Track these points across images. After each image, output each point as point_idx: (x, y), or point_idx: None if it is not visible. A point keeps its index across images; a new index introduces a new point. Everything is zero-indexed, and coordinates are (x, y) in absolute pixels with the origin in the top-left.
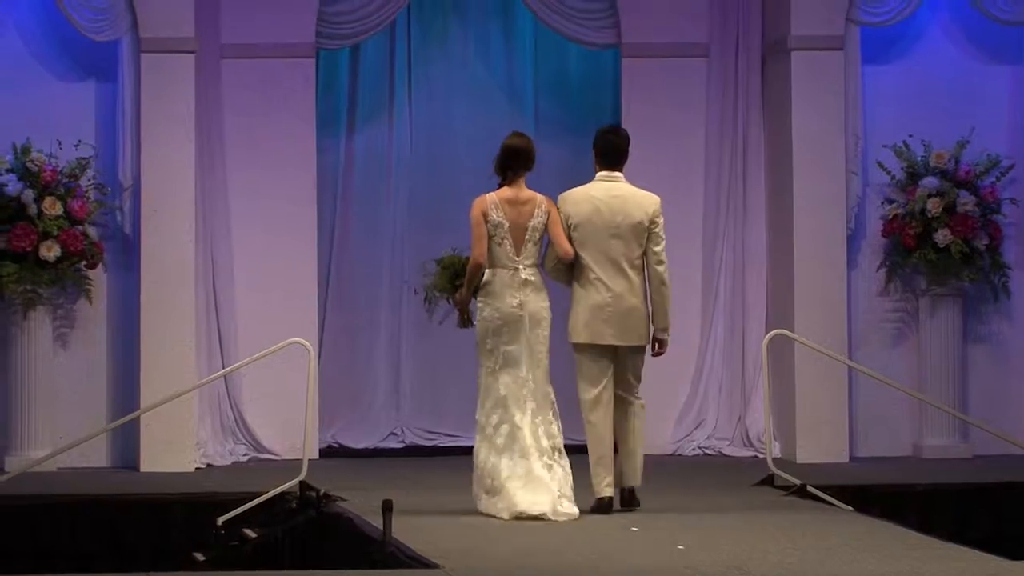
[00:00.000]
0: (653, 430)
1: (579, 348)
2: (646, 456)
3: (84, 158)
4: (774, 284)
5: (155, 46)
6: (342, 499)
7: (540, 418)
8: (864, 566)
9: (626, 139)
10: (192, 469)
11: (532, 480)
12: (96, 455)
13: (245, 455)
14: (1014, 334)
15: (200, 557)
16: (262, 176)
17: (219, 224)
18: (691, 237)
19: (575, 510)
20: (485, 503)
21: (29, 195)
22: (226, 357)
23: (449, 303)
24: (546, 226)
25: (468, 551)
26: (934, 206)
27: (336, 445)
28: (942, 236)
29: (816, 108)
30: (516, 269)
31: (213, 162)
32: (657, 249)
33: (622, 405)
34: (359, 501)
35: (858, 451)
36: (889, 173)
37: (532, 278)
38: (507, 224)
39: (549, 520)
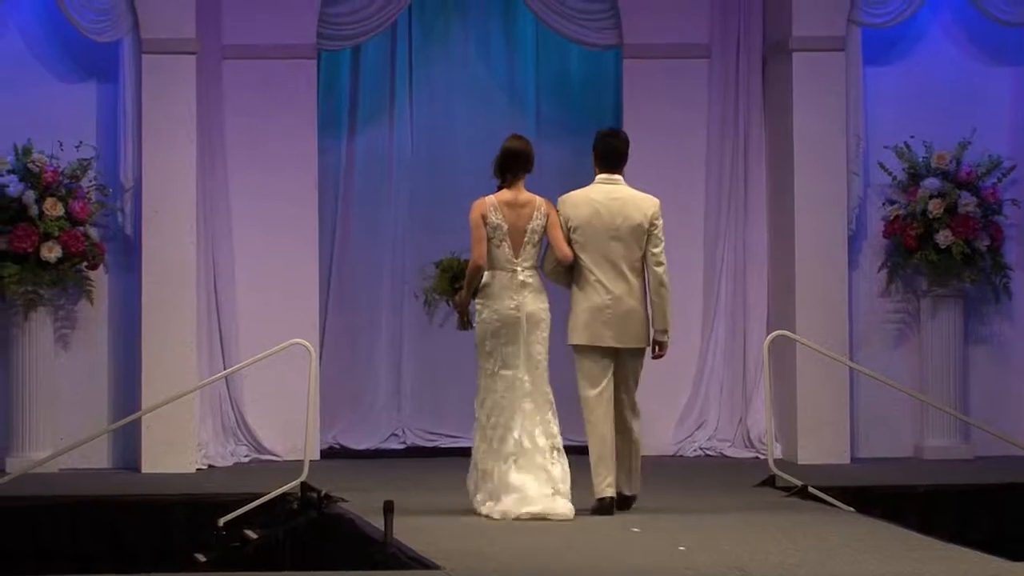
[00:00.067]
0: (654, 431)
1: (579, 350)
2: (648, 457)
3: (85, 159)
4: (775, 285)
5: (156, 47)
6: (343, 500)
7: (538, 418)
8: (865, 567)
9: (625, 142)
10: (193, 470)
11: (527, 486)
12: (97, 456)
13: (246, 456)
14: (1015, 335)
15: (201, 558)
16: (263, 177)
17: (220, 225)
18: (692, 238)
19: (570, 509)
20: (480, 501)
21: (30, 196)
22: (227, 358)
23: (449, 305)
24: (545, 229)
25: (469, 552)
26: (935, 207)
27: (337, 446)
28: (943, 237)
29: (817, 109)
30: (514, 271)
31: (214, 163)
32: (656, 251)
33: (621, 418)
34: (360, 502)
35: (859, 452)
36: (890, 174)
37: (530, 280)
38: (506, 227)
39: (544, 519)
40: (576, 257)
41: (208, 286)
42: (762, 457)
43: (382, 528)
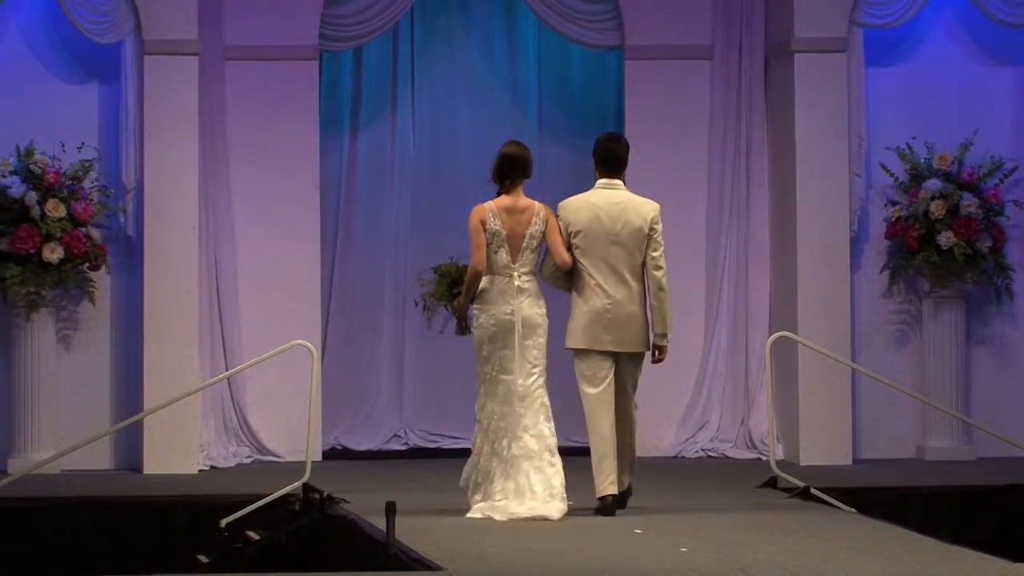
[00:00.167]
0: (656, 432)
1: (578, 353)
2: (649, 458)
3: (87, 160)
4: (777, 286)
5: (158, 48)
6: (345, 501)
7: (533, 422)
8: (867, 568)
9: (626, 147)
10: (195, 471)
11: (522, 489)
12: (99, 457)
13: (248, 457)
14: (1017, 336)
15: (203, 559)
16: (265, 178)
17: (222, 226)
18: (694, 239)
19: (563, 511)
20: (477, 502)
21: (32, 197)
22: (229, 359)
23: (447, 311)
24: (544, 234)
25: (472, 553)
26: (937, 208)
27: (339, 447)
28: (945, 238)
29: (819, 110)
30: (512, 276)
31: (216, 164)
32: (656, 255)
33: (618, 421)
34: (362, 503)
35: (861, 453)
36: (892, 175)
37: (528, 286)
38: (504, 232)
39: (539, 520)
40: (576, 262)
41: (210, 287)
42: (764, 458)
43: (384, 529)
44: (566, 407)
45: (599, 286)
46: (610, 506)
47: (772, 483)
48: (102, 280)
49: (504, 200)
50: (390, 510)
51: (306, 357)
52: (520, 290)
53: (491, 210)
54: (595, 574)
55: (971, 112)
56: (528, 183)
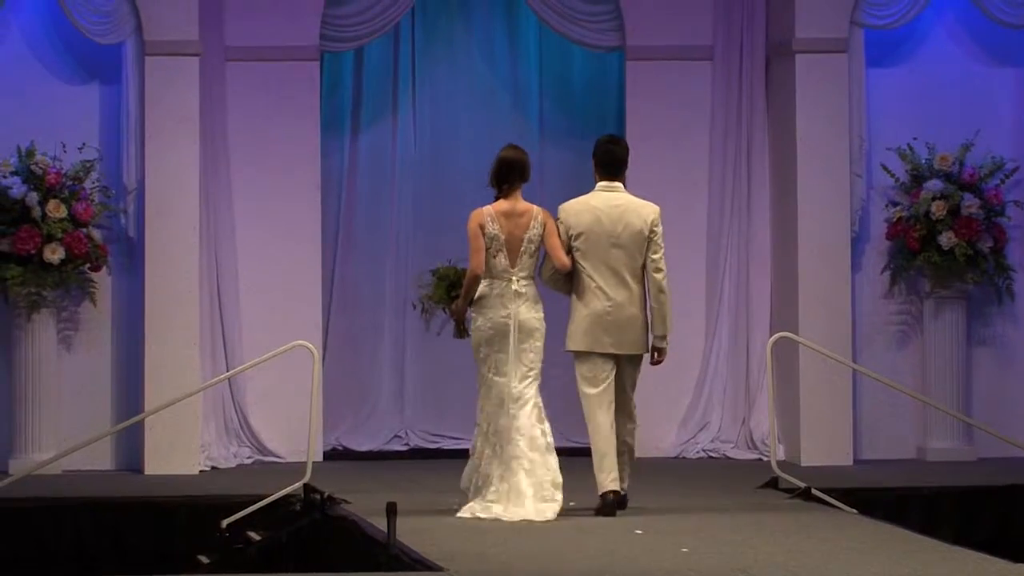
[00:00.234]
0: (657, 433)
1: (579, 355)
2: (650, 459)
3: (88, 161)
4: (778, 286)
5: (159, 49)
6: (346, 502)
7: (524, 422)
8: (868, 569)
9: (626, 149)
10: (196, 472)
11: (516, 496)
12: (100, 458)
13: (249, 458)
14: (1018, 336)
15: (204, 560)
16: (266, 178)
17: (223, 226)
18: (695, 240)
19: (555, 509)
20: (474, 503)
21: (33, 198)
22: (230, 359)
23: (445, 313)
24: (542, 238)
25: (472, 554)
26: (938, 209)
27: (340, 448)
28: (946, 239)
29: (820, 110)
30: (511, 281)
31: (217, 165)
32: (656, 257)
33: (617, 423)
34: (363, 504)
35: (862, 454)
36: (893, 176)
37: (526, 290)
38: (503, 237)
39: (533, 521)
40: (577, 264)
41: (211, 288)
42: (765, 459)
43: (385, 530)
44: (566, 408)
45: (600, 288)
46: (611, 503)
47: (773, 484)
48: (103, 281)
49: (502, 204)
50: (391, 511)
51: (307, 357)
52: (518, 294)
53: (490, 214)
54: (596, 574)
55: (972, 113)
56: (528, 184)
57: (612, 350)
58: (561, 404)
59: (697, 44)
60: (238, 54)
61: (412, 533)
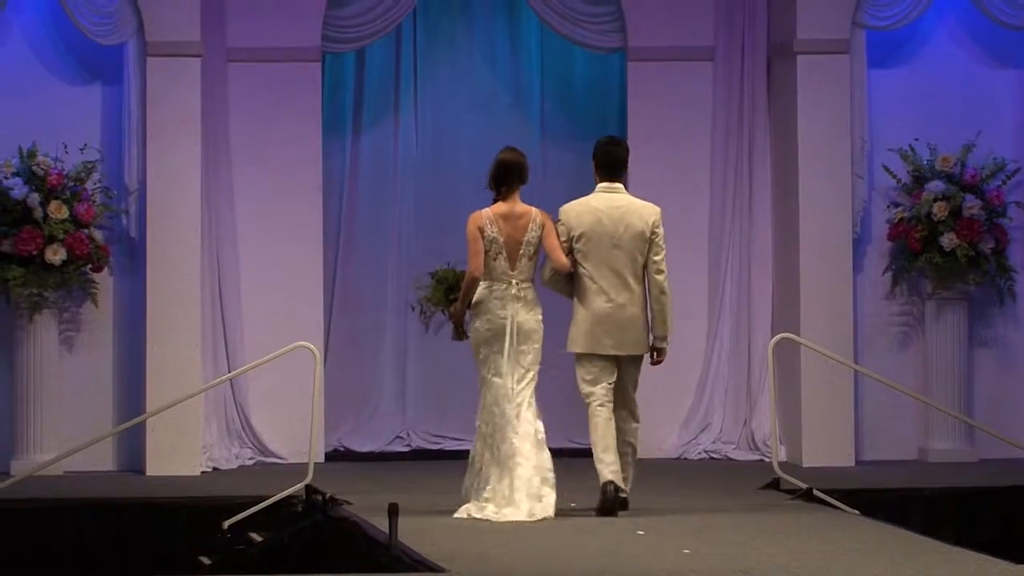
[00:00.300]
0: (659, 434)
1: (580, 357)
2: (652, 460)
3: (90, 162)
4: (780, 287)
5: (161, 50)
6: (348, 503)
7: (520, 423)
8: (870, 570)
9: (626, 150)
10: (198, 473)
11: (509, 495)
12: (102, 459)
13: (251, 459)
14: (1020, 338)
15: (206, 561)
16: (268, 179)
17: (225, 227)
18: (697, 241)
19: (549, 504)
20: (472, 503)
21: (35, 199)
22: (232, 361)
23: (444, 315)
24: (541, 240)
25: (474, 555)
26: (940, 210)
27: (342, 449)
28: (948, 240)
29: (821, 111)
30: (510, 284)
31: (219, 165)
32: (657, 258)
33: (619, 423)
34: (365, 505)
35: (864, 455)
36: (895, 177)
37: (525, 293)
38: (502, 239)
39: (528, 521)
40: (578, 266)
41: (213, 288)
42: (767, 460)
43: (387, 531)
44: (567, 408)
45: (601, 290)
46: (612, 493)
47: (775, 484)
48: (104, 281)
49: (501, 207)
50: (392, 512)
51: (308, 358)
52: (517, 297)
53: (488, 217)
54: (597, 575)
55: (973, 114)
56: (530, 186)
57: (614, 351)
58: (561, 405)
59: (698, 45)
60: (240, 55)
61: (413, 534)
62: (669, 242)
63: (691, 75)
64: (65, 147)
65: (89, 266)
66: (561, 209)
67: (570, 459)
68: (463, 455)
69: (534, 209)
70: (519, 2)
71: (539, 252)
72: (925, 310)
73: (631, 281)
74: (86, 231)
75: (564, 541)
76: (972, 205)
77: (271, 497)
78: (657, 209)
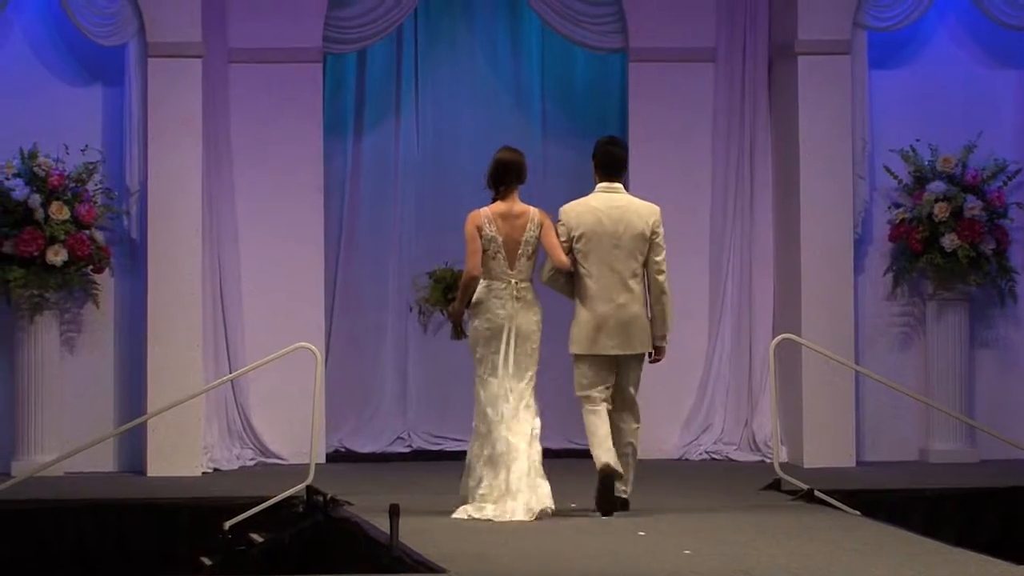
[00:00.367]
0: (660, 435)
1: (579, 357)
2: (653, 460)
3: (91, 163)
4: (781, 288)
5: (162, 50)
6: (349, 503)
7: (518, 422)
8: (871, 571)
9: (625, 149)
10: (199, 473)
11: (507, 492)
12: (103, 459)
13: (252, 459)
14: (1021, 338)
15: (207, 561)
16: (269, 180)
17: (226, 228)
18: (698, 241)
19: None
20: (470, 504)
21: (36, 200)
22: (233, 361)
23: (443, 315)
24: (539, 239)
25: (475, 555)
26: (941, 211)
27: (343, 449)
28: (949, 241)
29: (823, 112)
30: (509, 284)
31: (220, 166)
32: (658, 259)
33: (620, 422)
34: (366, 505)
35: (865, 455)
36: (896, 177)
37: (524, 293)
38: (500, 239)
39: (527, 519)
40: (578, 266)
41: (214, 289)
42: (768, 460)
43: (388, 531)
44: (567, 409)
45: (602, 290)
46: (609, 476)
47: (776, 485)
48: (106, 282)
49: (500, 206)
50: (394, 512)
51: (309, 359)
52: (516, 297)
53: (487, 216)
54: (597, 575)
55: (975, 114)
56: (532, 186)
57: (615, 351)
58: (561, 405)
59: (700, 46)
60: (241, 56)
61: (414, 534)
62: (670, 243)
63: (692, 76)
64: (66, 148)
65: (90, 267)
66: (561, 209)
67: (569, 460)
68: (464, 456)
69: (533, 208)
70: (520, 3)
71: (538, 252)
72: (926, 311)
73: (631, 280)
74: (87, 232)
75: (564, 541)
76: (973, 206)
77: (272, 498)
78: (657, 208)
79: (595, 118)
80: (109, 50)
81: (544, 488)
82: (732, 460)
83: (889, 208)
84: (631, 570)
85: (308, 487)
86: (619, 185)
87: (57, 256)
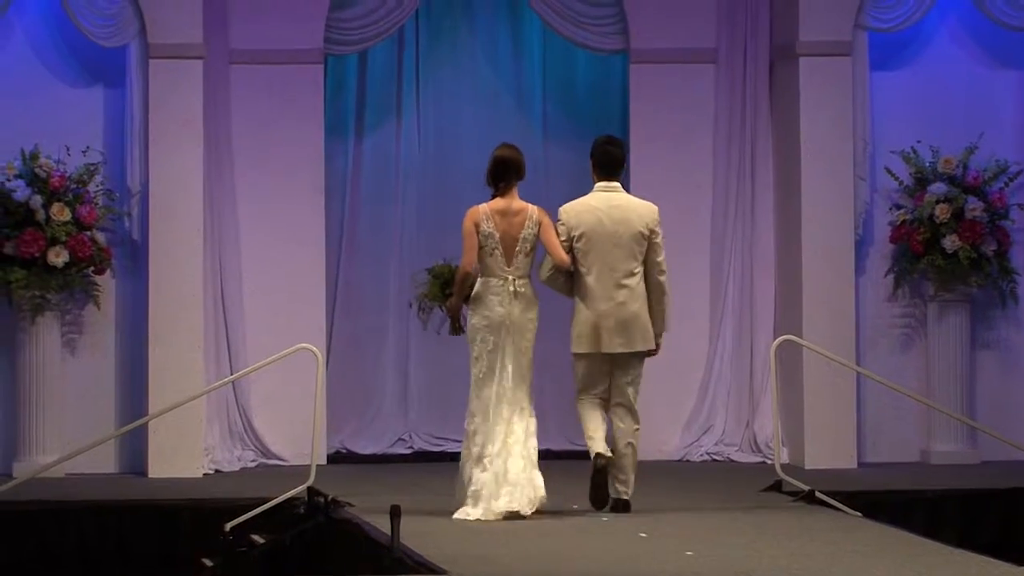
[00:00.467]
0: (661, 436)
1: (579, 356)
2: (654, 461)
3: (92, 164)
4: (782, 289)
5: (163, 52)
6: (350, 505)
7: (514, 420)
8: (872, 572)
9: (623, 148)
10: (200, 475)
11: (502, 483)
12: (104, 461)
13: (253, 461)
14: (1022, 340)
15: (208, 563)
16: (270, 181)
17: (227, 229)
18: (699, 242)
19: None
20: (461, 504)
21: (37, 201)
22: (234, 362)
23: (442, 311)
24: (537, 237)
25: (475, 556)
26: (942, 212)
27: (344, 451)
28: (950, 242)
29: (824, 113)
30: (507, 280)
31: (221, 167)
32: (659, 259)
33: (620, 422)
34: (367, 507)
35: (866, 457)
36: (897, 179)
37: (522, 290)
38: (498, 235)
39: (524, 516)
40: (578, 266)
41: (215, 290)
42: (769, 462)
43: (389, 532)
44: (568, 409)
45: (601, 289)
46: (603, 466)
47: (777, 486)
48: (107, 284)
49: (498, 203)
50: (395, 513)
51: (311, 360)
52: (514, 294)
53: (485, 212)
54: None
55: (976, 115)
56: (533, 187)
57: (620, 349)
58: (561, 405)
59: (701, 47)
60: (242, 57)
61: (415, 536)
62: (671, 244)
63: (693, 77)
64: (67, 149)
65: (91, 268)
66: (561, 209)
67: (569, 461)
68: None
69: (531, 206)
70: (521, 4)
71: (536, 249)
72: (927, 312)
73: (630, 280)
74: (88, 233)
75: (565, 542)
76: (974, 207)
77: (273, 499)
78: (655, 208)
79: (596, 119)
80: (110, 51)
81: (538, 480)
82: (733, 461)
83: (890, 209)
84: (632, 571)
85: (309, 488)
86: (617, 184)
87: (58, 257)
